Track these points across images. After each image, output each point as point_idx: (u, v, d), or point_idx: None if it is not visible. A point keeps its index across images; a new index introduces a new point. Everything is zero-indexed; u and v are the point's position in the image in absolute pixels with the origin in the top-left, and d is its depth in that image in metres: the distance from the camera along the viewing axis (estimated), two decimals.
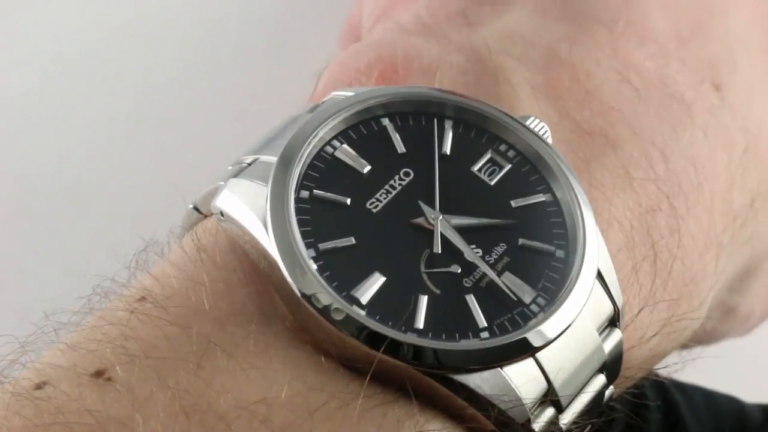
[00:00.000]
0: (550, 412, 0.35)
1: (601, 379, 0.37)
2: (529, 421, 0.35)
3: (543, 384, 0.35)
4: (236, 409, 0.32)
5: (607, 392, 0.38)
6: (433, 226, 0.36)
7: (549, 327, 0.35)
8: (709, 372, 0.54)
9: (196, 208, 0.38)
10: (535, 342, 0.34)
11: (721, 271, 0.43)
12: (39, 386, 0.33)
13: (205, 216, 0.38)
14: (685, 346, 0.46)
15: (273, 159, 0.36)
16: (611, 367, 0.38)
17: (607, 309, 0.37)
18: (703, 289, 0.42)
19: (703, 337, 0.50)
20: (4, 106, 0.63)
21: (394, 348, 0.33)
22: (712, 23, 0.46)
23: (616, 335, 0.37)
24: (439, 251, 0.36)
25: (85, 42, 0.64)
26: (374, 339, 0.33)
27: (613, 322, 0.38)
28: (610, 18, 0.44)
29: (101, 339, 0.34)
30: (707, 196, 0.42)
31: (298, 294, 0.34)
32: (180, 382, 0.33)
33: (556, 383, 0.35)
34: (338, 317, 0.33)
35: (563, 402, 0.36)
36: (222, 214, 0.36)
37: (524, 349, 0.34)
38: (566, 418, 0.36)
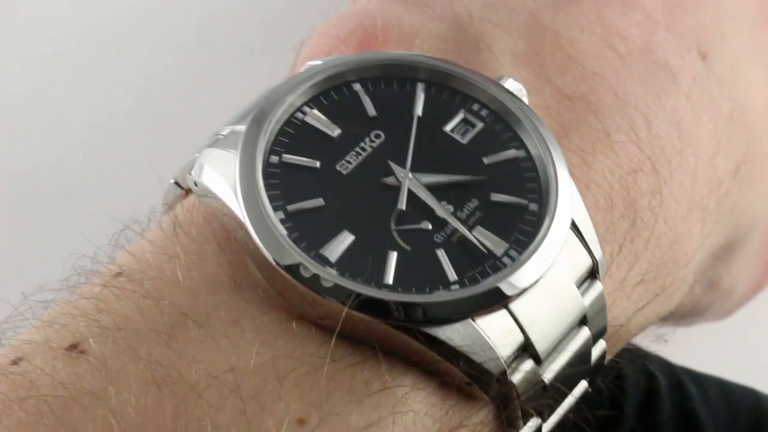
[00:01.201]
0: (528, 364, 0.35)
1: (585, 332, 0.37)
2: (504, 373, 0.34)
3: (519, 336, 0.35)
4: (207, 379, 0.33)
5: (597, 349, 0.38)
6: (407, 187, 0.36)
7: (520, 276, 0.35)
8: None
9: (176, 183, 0.39)
10: (507, 291, 0.34)
11: (707, 233, 0.43)
12: (15, 362, 0.33)
13: (186, 191, 0.39)
14: (670, 320, 0.46)
15: (245, 128, 0.37)
16: (595, 319, 0.37)
17: (585, 261, 0.37)
18: (688, 250, 0.42)
19: (691, 309, 0.50)
20: (4, 106, 0.64)
21: (363, 304, 0.33)
22: None
23: (597, 287, 0.37)
24: (403, 208, 0.36)
25: (84, 41, 0.65)
26: (342, 295, 0.33)
27: (593, 274, 0.37)
28: None
29: (75, 313, 0.34)
30: (691, 161, 0.42)
31: (268, 256, 0.34)
32: (152, 353, 0.33)
33: (532, 334, 0.35)
34: (307, 275, 0.34)
35: (541, 354, 0.35)
36: (196, 183, 0.36)
37: (494, 299, 0.34)
38: (550, 373, 0.36)
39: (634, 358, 0.46)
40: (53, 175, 0.61)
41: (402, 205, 0.36)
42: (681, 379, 0.50)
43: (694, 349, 0.57)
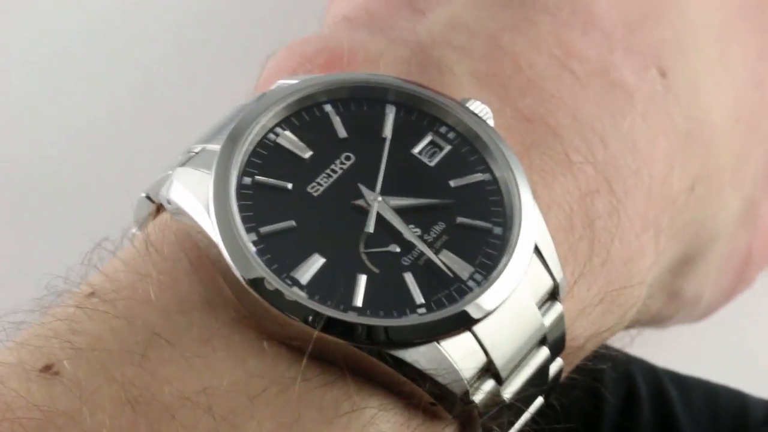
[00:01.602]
0: (490, 384, 0.36)
1: (543, 351, 0.38)
2: (467, 394, 0.36)
3: (481, 357, 0.36)
4: (180, 399, 0.33)
5: (554, 366, 0.39)
6: (376, 210, 0.37)
7: (485, 300, 0.36)
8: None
9: (148, 197, 0.39)
10: (474, 314, 0.35)
11: (660, 251, 0.44)
12: None
13: (157, 206, 0.39)
14: (634, 326, 0.47)
15: (218, 147, 0.37)
16: (554, 339, 0.39)
17: (546, 283, 0.38)
18: (641, 268, 0.43)
19: (652, 319, 0.51)
20: (4, 106, 0.63)
21: (332, 326, 0.34)
22: (664, 9, 0.46)
23: (557, 308, 0.38)
24: (371, 231, 0.37)
25: (84, 41, 0.65)
26: (305, 313, 0.34)
27: (554, 295, 0.38)
28: (555, 5, 0.44)
29: (49, 335, 0.35)
30: (645, 180, 0.43)
31: (239, 276, 0.35)
32: (125, 373, 0.34)
33: (494, 355, 0.36)
34: (278, 298, 0.34)
35: (503, 374, 0.36)
36: (169, 202, 0.37)
37: (460, 323, 0.35)
38: (509, 392, 0.37)
39: (616, 363, 0.47)
40: (54, 176, 0.61)
41: (370, 228, 0.37)
42: (663, 383, 0.51)
43: (684, 349, 0.59)
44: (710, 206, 0.48)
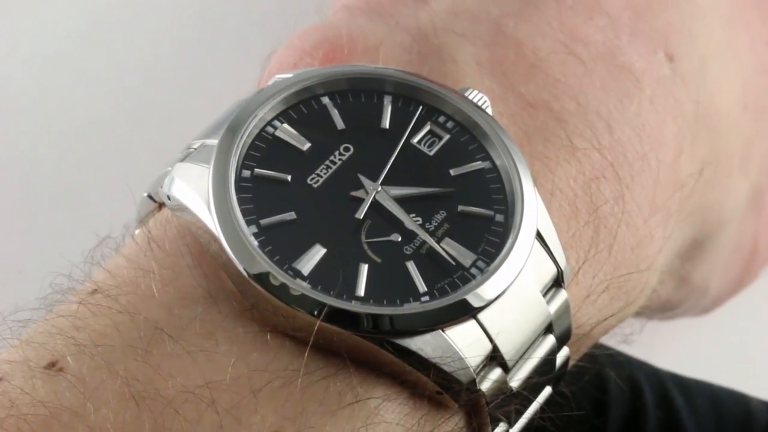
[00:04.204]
0: (497, 372, 0.36)
1: (550, 339, 0.38)
2: (474, 382, 0.35)
3: (487, 345, 0.36)
4: (183, 393, 0.33)
5: (561, 355, 0.39)
6: (372, 197, 0.37)
7: (488, 288, 0.36)
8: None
9: (149, 196, 0.39)
10: (474, 303, 0.35)
11: (668, 236, 0.43)
12: None
13: (158, 205, 0.39)
14: (643, 313, 0.47)
15: (216, 142, 0.37)
16: (560, 327, 0.38)
17: (551, 270, 0.38)
18: (650, 253, 0.42)
19: (661, 306, 0.51)
20: (4, 106, 0.63)
21: (335, 316, 0.34)
22: None
23: (562, 295, 0.38)
24: (360, 217, 0.36)
25: (84, 41, 0.65)
26: (310, 305, 0.34)
27: (558, 282, 0.38)
28: None
29: (53, 331, 0.35)
30: (653, 164, 0.43)
31: (242, 270, 0.35)
32: (129, 368, 0.34)
33: (500, 343, 0.36)
34: (276, 284, 0.34)
35: (509, 362, 0.36)
36: (169, 197, 0.37)
37: (463, 310, 0.35)
38: (516, 380, 0.37)
39: (617, 361, 0.47)
40: (54, 176, 0.61)
41: (360, 214, 0.36)
42: (667, 389, 0.50)
43: (686, 349, 0.59)
44: (719, 191, 0.47)
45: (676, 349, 0.58)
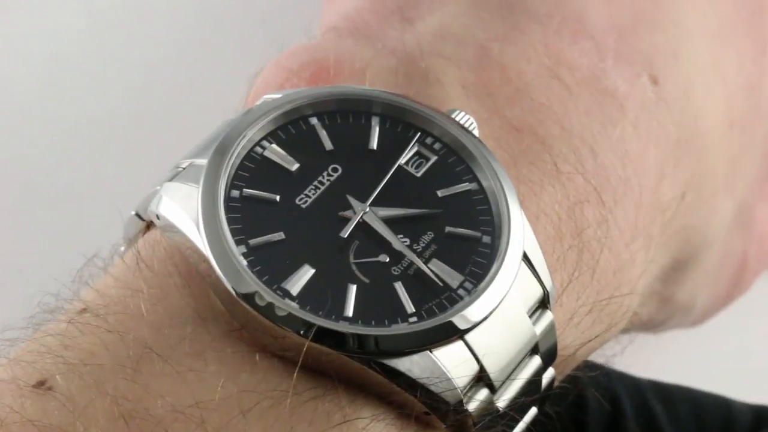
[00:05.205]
0: (484, 393, 0.36)
1: (536, 360, 0.38)
2: (461, 402, 0.36)
3: (474, 366, 0.36)
4: (172, 413, 0.33)
5: (546, 376, 0.39)
6: (360, 218, 0.37)
7: (475, 309, 0.36)
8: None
9: (137, 215, 0.39)
10: (461, 324, 0.35)
11: (650, 260, 0.44)
12: None
13: (146, 224, 0.39)
14: (626, 332, 0.47)
15: (205, 162, 0.37)
16: (546, 348, 0.39)
17: (536, 291, 0.38)
18: (631, 277, 0.43)
19: (643, 325, 0.51)
20: (4, 106, 0.63)
21: (323, 336, 0.34)
22: (656, 14, 0.46)
23: (547, 316, 0.38)
24: (345, 236, 0.37)
25: (84, 41, 0.65)
26: (298, 325, 0.34)
27: (544, 304, 0.39)
28: (546, 14, 0.44)
29: (42, 350, 0.35)
30: (635, 189, 0.43)
31: (231, 289, 0.35)
32: (118, 387, 0.34)
33: (487, 364, 0.36)
34: (262, 303, 0.35)
35: (495, 383, 0.36)
36: (158, 217, 0.37)
37: (451, 332, 0.35)
38: (503, 401, 0.37)
39: (597, 380, 0.47)
40: (54, 176, 0.61)
41: (345, 233, 0.37)
42: (647, 398, 0.51)
43: (670, 354, 0.59)
44: (702, 213, 0.47)
45: (661, 358, 0.58)
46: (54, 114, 0.62)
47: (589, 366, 0.46)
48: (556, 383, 0.41)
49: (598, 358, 0.46)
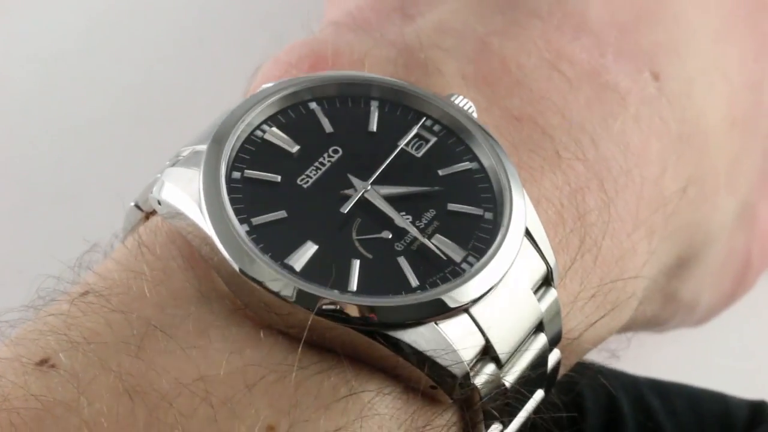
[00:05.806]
0: (490, 367, 0.36)
1: (541, 338, 0.38)
2: (468, 376, 0.35)
3: (480, 339, 0.36)
4: (177, 387, 0.33)
5: (552, 356, 0.39)
6: (361, 195, 0.37)
7: (479, 281, 0.36)
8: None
9: (137, 206, 0.39)
10: (464, 296, 0.35)
11: (652, 251, 0.44)
12: None
13: (146, 214, 0.39)
14: (630, 329, 0.47)
15: (205, 147, 0.38)
16: (550, 326, 0.38)
17: (540, 268, 0.38)
18: (634, 266, 0.43)
19: (648, 322, 0.51)
20: (4, 106, 0.63)
21: (327, 310, 0.34)
22: (658, 10, 0.46)
23: (552, 294, 0.38)
24: (345, 212, 0.37)
25: (84, 41, 0.65)
26: (306, 301, 0.34)
27: (548, 281, 0.38)
28: (546, 10, 0.45)
29: (44, 330, 0.35)
30: (637, 180, 0.43)
31: (235, 267, 0.35)
32: (122, 364, 0.34)
33: (492, 337, 0.36)
34: (273, 284, 0.34)
35: (501, 357, 0.36)
36: (160, 202, 0.37)
37: (454, 303, 0.35)
38: (510, 378, 0.37)
39: (594, 378, 0.47)
40: (54, 176, 0.61)
41: (346, 209, 0.37)
42: (644, 394, 0.50)
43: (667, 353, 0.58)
44: (704, 210, 0.47)
45: (660, 357, 0.58)
46: (54, 114, 0.63)
47: (586, 365, 0.45)
48: (563, 370, 0.41)
49: (598, 356, 0.46)
